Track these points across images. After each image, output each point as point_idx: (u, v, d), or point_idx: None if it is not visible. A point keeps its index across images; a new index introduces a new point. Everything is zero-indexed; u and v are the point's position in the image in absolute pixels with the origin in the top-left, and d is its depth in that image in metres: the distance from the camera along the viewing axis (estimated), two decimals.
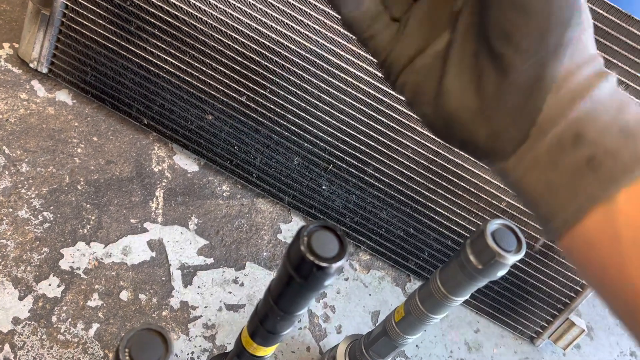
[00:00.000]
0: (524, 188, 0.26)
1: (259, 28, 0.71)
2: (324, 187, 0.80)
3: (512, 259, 0.42)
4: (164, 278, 0.69)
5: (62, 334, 0.62)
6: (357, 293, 0.78)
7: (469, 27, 0.26)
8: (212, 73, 0.75)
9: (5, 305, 0.62)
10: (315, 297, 0.39)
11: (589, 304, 0.92)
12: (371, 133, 0.74)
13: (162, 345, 0.38)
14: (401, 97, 0.32)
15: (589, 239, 0.24)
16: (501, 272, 0.43)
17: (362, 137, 0.74)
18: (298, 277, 0.37)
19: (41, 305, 0.63)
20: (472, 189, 0.74)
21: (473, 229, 0.77)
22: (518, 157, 0.26)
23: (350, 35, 0.68)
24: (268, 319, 0.43)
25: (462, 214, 0.76)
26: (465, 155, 0.72)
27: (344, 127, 0.74)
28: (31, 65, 0.80)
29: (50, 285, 0.65)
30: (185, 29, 0.73)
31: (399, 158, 0.75)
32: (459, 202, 0.75)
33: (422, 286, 0.51)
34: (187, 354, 0.65)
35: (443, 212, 0.77)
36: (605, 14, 0.61)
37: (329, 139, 0.76)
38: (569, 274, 0.76)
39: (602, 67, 0.26)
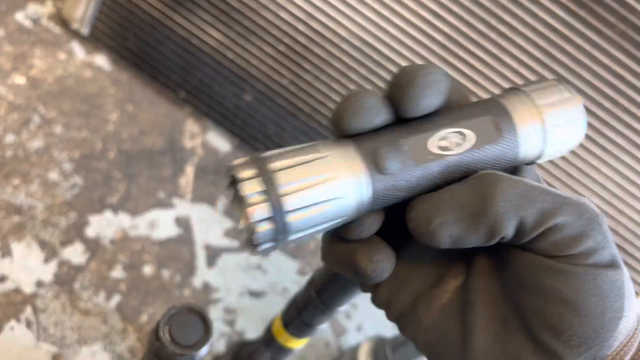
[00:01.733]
0: None
1: (309, 10, 0.69)
2: None
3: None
4: (188, 256, 0.68)
5: (84, 301, 0.61)
6: None
7: (491, 283, 0.25)
8: (256, 52, 0.73)
9: (30, 266, 0.61)
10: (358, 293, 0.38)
11: None
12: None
13: (202, 327, 0.37)
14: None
15: None
16: None
17: None
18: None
19: (65, 271, 0.62)
20: None
21: None
22: None
23: (403, 25, 0.66)
24: (307, 309, 0.42)
25: None
26: None
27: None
28: (73, 26, 0.78)
29: (75, 251, 0.64)
30: (234, 3, 0.71)
31: None
32: None
33: None
34: None
35: None
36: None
37: None
38: None
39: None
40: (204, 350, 0.37)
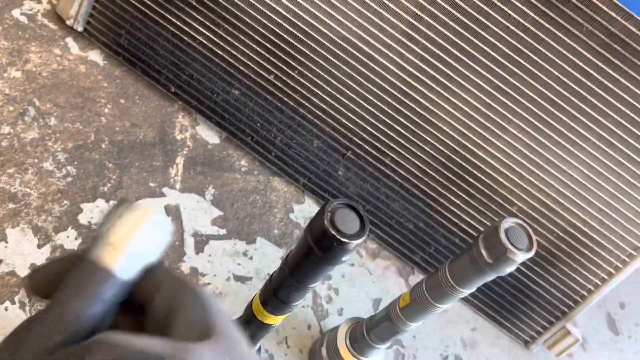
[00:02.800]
0: None
1: (295, 9, 0.72)
2: (339, 173, 0.81)
3: (521, 257, 0.43)
4: (177, 243, 0.71)
5: None
6: (362, 279, 0.80)
7: None
8: (244, 49, 0.76)
9: (24, 251, 0.64)
10: (329, 272, 0.41)
11: (585, 316, 0.93)
12: (393, 124, 0.75)
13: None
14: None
15: None
16: (510, 269, 0.44)
17: (383, 128, 0.76)
18: (318, 250, 0.39)
19: (58, 255, 0.65)
20: (486, 191, 0.75)
21: (482, 229, 0.78)
22: None
23: (384, 26, 0.70)
24: (282, 288, 0.45)
25: (473, 213, 0.77)
26: (484, 156, 0.73)
27: (367, 116, 0.76)
28: (67, 22, 0.81)
29: (68, 237, 0.67)
30: (222, 2, 0.74)
31: (417, 152, 0.76)
32: (472, 201, 0.77)
33: (431, 276, 0.52)
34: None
35: (454, 209, 0.78)
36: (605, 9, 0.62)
37: (350, 125, 0.77)
38: (570, 282, 0.77)
39: None
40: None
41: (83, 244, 0.67)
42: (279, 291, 0.46)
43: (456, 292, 0.49)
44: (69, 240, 0.67)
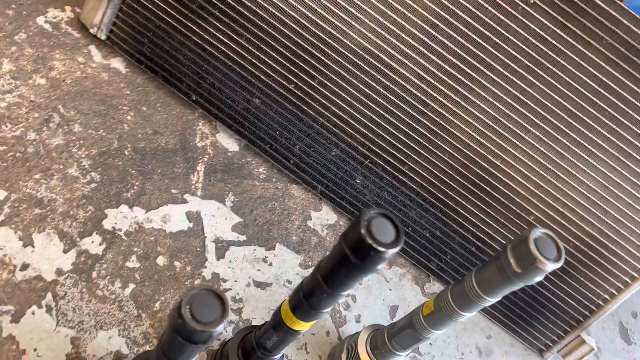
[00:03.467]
0: None
1: (316, 19, 0.73)
2: (357, 181, 0.82)
3: (551, 266, 0.44)
4: (199, 249, 0.72)
5: (101, 289, 0.65)
6: (379, 287, 0.81)
7: None
8: (265, 58, 0.78)
9: (50, 255, 0.65)
10: (362, 279, 0.42)
11: (599, 326, 0.94)
12: (411, 134, 0.76)
13: (219, 307, 0.41)
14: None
15: None
16: (538, 278, 0.45)
17: (401, 137, 0.77)
18: (354, 257, 0.40)
19: (83, 260, 0.66)
20: (503, 200, 0.76)
21: (498, 238, 0.79)
22: None
23: (404, 36, 0.71)
24: (314, 295, 0.46)
25: (490, 222, 0.78)
26: (501, 165, 0.74)
27: (385, 125, 0.77)
28: (91, 30, 0.83)
29: (93, 242, 0.68)
30: (245, 13, 0.75)
31: (435, 161, 0.77)
32: (489, 210, 0.77)
33: (456, 284, 0.53)
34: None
35: (471, 218, 0.79)
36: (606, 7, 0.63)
37: (369, 134, 0.78)
38: (586, 292, 0.78)
39: None
40: (220, 327, 0.41)
41: (107, 250, 0.68)
42: (310, 297, 0.46)
43: (482, 300, 0.50)
44: (94, 245, 0.68)
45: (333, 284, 0.43)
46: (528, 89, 0.69)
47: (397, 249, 0.39)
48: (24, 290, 0.62)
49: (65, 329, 0.61)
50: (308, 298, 0.47)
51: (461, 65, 0.70)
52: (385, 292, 0.81)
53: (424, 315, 0.56)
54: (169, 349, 0.43)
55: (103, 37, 0.83)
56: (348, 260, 0.40)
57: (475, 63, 0.70)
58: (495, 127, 0.73)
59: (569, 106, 0.69)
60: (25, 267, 0.63)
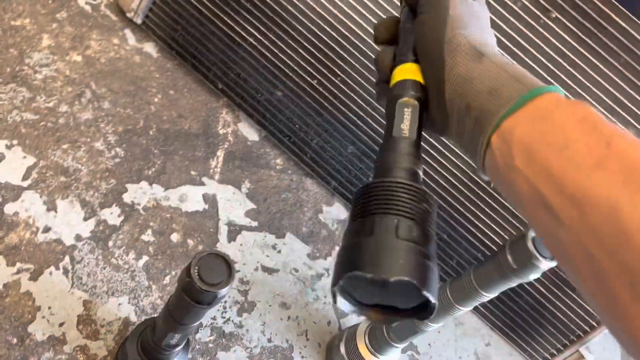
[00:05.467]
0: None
1: (342, 18, 0.76)
2: (371, 180, 0.84)
3: (546, 264, 0.45)
4: (212, 230, 0.75)
5: (115, 258, 0.68)
6: None
7: None
8: (291, 53, 0.80)
9: (71, 221, 0.68)
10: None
11: (600, 346, 0.94)
12: (425, 136, 0.78)
13: (226, 270, 0.43)
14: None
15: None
16: (533, 276, 0.47)
17: None
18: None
19: (101, 229, 0.69)
20: (510, 206, 0.77)
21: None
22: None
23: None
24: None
25: (497, 229, 0.79)
26: None
27: None
28: (128, 14, 0.87)
29: (112, 213, 0.71)
30: (276, 7, 0.78)
31: (447, 164, 0.78)
32: (496, 217, 0.79)
33: (454, 279, 0.55)
34: (220, 302, 0.70)
35: (478, 223, 0.80)
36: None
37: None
38: (588, 307, 0.78)
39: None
40: (225, 290, 0.43)
41: (125, 222, 0.71)
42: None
43: (479, 295, 0.51)
44: (113, 216, 0.71)
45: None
46: None
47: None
48: (44, 251, 0.65)
49: (79, 292, 0.64)
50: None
51: None
52: None
53: None
54: (175, 309, 0.46)
55: (139, 22, 0.87)
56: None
57: None
58: None
59: None
60: (47, 230, 0.67)
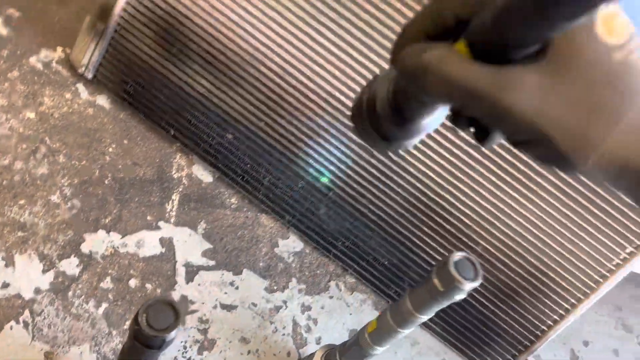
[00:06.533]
0: None
1: (285, 67, 0.81)
2: (321, 211, 0.88)
3: (469, 285, 0.50)
4: (169, 272, 0.78)
5: (75, 308, 0.70)
6: (339, 311, 0.86)
7: None
8: (238, 99, 0.85)
9: (30, 275, 0.70)
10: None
11: (551, 353, 0.99)
12: (371, 169, 0.83)
13: (173, 316, 0.47)
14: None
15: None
16: (459, 296, 0.51)
17: (362, 172, 0.84)
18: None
19: (61, 281, 0.71)
20: (454, 231, 0.83)
21: None
22: None
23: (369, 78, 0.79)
24: None
25: (442, 251, 0.85)
26: (452, 200, 0.81)
27: (348, 161, 0.84)
28: (79, 70, 0.90)
29: (70, 264, 0.73)
30: (221, 57, 0.83)
31: (393, 195, 0.84)
32: (441, 240, 0.84)
33: (393, 304, 0.59)
34: (181, 342, 0.73)
35: (426, 248, 0.85)
36: None
37: (332, 169, 0.85)
38: (531, 318, 0.84)
39: None
40: (173, 333, 0.46)
41: (84, 271, 0.73)
42: None
43: (415, 318, 0.55)
44: (71, 267, 0.73)
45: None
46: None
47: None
48: (4, 307, 0.67)
49: (40, 344, 0.66)
50: None
51: None
52: (346, 316, 0.86)
53: (368, 333, 0.61)
54: (128, 356, 0.49)
55: (90, 76, 0.91)
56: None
57: None
58: (445, 164, 0.80)
59: (511, 149, 0.76)
60: (5, 285, 0.69)
